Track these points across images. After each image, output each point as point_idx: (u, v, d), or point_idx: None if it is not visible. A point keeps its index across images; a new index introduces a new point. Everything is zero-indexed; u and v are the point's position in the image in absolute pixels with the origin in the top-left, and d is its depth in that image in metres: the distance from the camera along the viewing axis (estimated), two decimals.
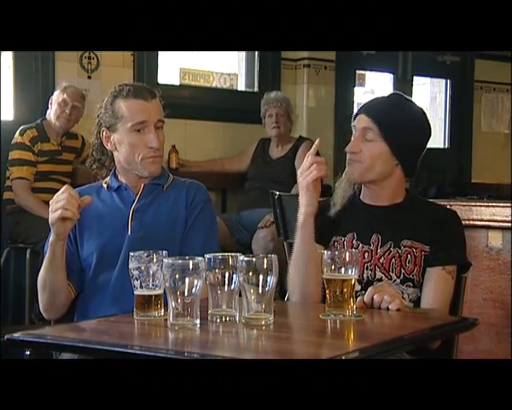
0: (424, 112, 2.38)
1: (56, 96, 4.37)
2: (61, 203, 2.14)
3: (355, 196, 2.34)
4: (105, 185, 2.43)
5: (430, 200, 2.49)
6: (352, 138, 2.29)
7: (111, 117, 2.34)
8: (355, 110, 2.37)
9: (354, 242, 2.29)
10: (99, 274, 2.34)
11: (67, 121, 4.36)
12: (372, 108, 2.29)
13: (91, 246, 2.35)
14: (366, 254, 2.27)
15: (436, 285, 2.21)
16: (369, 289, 2.04)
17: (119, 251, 2.31)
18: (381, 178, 2.28)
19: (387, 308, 1.98)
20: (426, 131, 2.35)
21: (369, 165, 2.24)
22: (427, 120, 2.35)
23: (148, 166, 2.36)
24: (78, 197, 2.17)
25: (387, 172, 2.28)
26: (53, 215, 2.17)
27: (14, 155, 4.30)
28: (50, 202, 2.18)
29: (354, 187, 2.34)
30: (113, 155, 2.40)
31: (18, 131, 4.34)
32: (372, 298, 2.00)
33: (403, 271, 2.24)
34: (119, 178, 2.42)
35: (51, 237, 2.23)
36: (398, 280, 2.24)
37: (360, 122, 2.27)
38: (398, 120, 2.27)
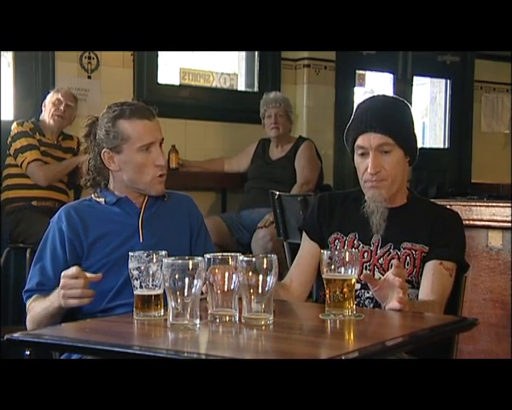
0: (398, 97, 2.41)
1: (50, 97, 4.46)
2: (76, 292, 2.07)
3: (359, 195, 2.32)
4: (100, 200, 2.43)
5: (432, 200, 2.49)
6: (364, 160, 2.25)
7: (114, 138, 2.35)
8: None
9: (355, 242, 2.28)
10: (105, 281, 2.32)
11: (62, 119, 4.43)
12: (378, 123, 2.24)
13: (96, 257, 2.35)
14: (365, 254, 2.27)
15: (433, 277, 2.20)
16: (397, 272, 1.94)
17: (126, 258, 2.29)
18: (401, 184, 2.30)
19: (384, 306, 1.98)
20: (411, 110, 2.37)
21: (394, 177, 2.25)
22: (404, 100, 2.39)
23: (156, 187, 2.40)
24: (88, 277, 2.10)
25: (404, 173, 2.30)
26: (68, 302, 2.09)
27: (22, 142, 4.31)
28: (62, 285, 2.09)
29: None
30: (109, 174, 2.42)
31: (15, 124, 4.37)
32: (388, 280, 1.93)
33: None
34: (116, 192, 2.43)
35: (58, 301, 2.13)
36: None
37: (373, 140, 2.23)
38: (399, 119, 2.28)
